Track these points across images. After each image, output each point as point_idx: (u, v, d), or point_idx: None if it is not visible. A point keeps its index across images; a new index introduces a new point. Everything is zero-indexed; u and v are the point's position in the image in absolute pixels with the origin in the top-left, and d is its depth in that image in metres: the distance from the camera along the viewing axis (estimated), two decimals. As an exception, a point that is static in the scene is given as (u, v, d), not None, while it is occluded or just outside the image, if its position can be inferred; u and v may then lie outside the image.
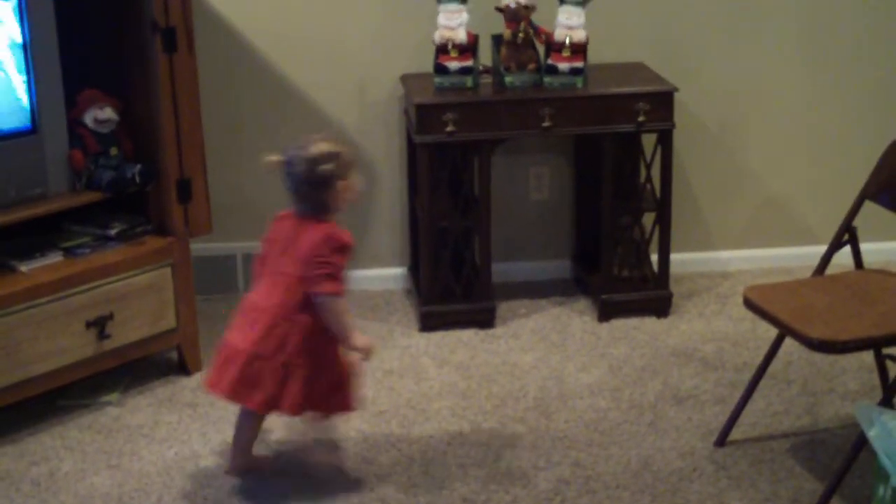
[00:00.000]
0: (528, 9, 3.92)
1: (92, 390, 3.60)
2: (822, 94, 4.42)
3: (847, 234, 3.30)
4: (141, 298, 3.56)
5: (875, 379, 3.43)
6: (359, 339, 3.02)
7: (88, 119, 3.56)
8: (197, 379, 3.68)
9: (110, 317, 3.48)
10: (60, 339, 3.39)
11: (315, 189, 2.98)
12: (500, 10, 3.94)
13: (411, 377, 3.70)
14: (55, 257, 3.48)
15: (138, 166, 3.56)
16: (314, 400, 3.01)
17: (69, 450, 3.32)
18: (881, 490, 2.59)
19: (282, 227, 3.06)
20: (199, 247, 4.06)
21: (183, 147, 3.58)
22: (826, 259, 3.30)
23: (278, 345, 2.95)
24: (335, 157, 3.00)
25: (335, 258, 2.97)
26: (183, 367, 3.73)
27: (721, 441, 3.30)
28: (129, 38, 3.57)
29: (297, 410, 3.00)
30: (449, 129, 3.86)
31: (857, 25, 4.37)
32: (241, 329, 3.04)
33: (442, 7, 3.94)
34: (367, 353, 3.03)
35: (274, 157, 3.03)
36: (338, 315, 2.98)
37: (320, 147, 3.01)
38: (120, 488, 3.14)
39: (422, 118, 3.88)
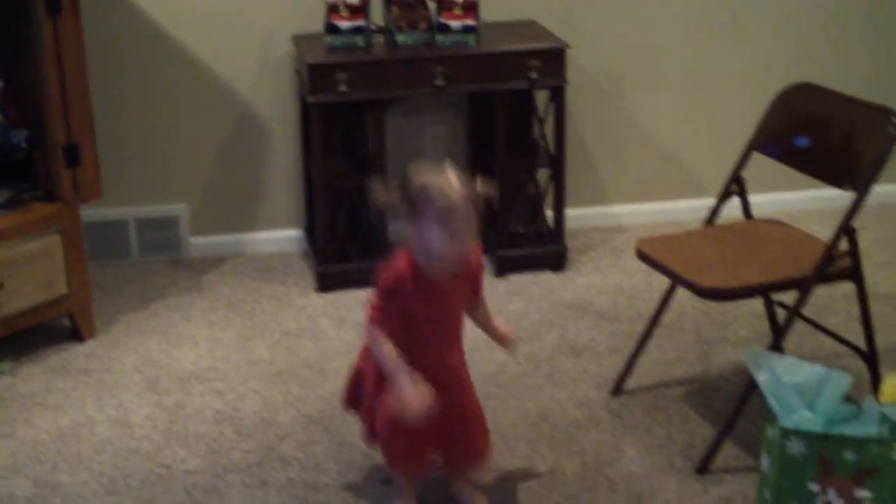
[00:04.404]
0: (416, -33, 3.92)
1: (-17, 360, 3.55)
2: (711, 49, 4.48)
3: (735, 185, 3.35)
4: (30, 266, 3.49)
5: (765, 326, 3.50)
6: (402, 386, 2.60)
7: (-29, 84, 3.48)
8: (90, 345, 3.64)
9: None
10: (-52, 309, 3.33)
11: None
12: (388, -31, 3.93)
13: (309, 337, 3.69)
14: (-60, 225, 3.41)
15: (24, 132, 3.49)
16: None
17: (-40, 420, 3.27)
18: (770, 431, 2.65)
19: None
20: (90, 213, 4.01)
21: (70, 111, 3.51)
22: (715, 210, 3.35)
23: None
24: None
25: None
26: (76, 334, 3.67)
27: (617, 390, 3.35)
28: (10, 0, 3.49)
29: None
30: (342, 88, 3.84)
31: (743, -19, 4.44)
32: None
33: (331, -34, 3.92)
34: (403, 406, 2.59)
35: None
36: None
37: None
38: (14, 457, 3.09)
39: (314, 78, 3.86)
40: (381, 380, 2.70)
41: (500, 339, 2.89)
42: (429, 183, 2.63)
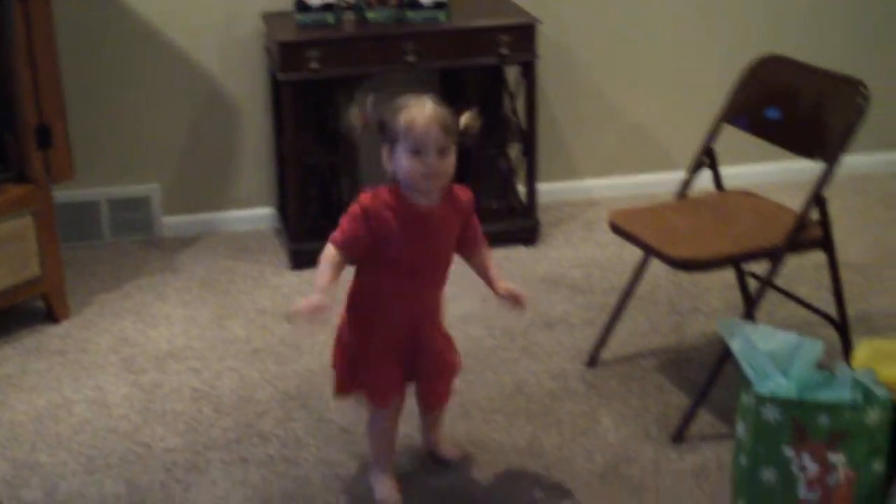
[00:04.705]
0: (385, -57, 3.91)
1: (-43, 343, 3.53)
2: (681, 23, 4.50)
3: (706, 157, 3.37)
4: (2, 248, 3.48)
5: (738, 296, 3.54)
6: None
7: (-61, 65, 3.46)
8: (65, 326, 3.63)
9: (-28, 267, 3.41)
10: (-79, 292, 3.31)
11: None
12: (356, -54, 3.93)
13: (284, 315, 3.70)
14: (-89, 208, 3.39)
15: (-6, 113, 3.48)
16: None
17: (-64, 403, 3.26)
18: (745, 398, 2.68)
19: None
20: (62, 194, 3.99)
21: (41, 92, 3.49)
22: (686, 182, 3.37)
23: None
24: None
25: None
26: (50, 316, 3.67)
27: (591, 362, 3.37)
28: (-22, -20, 3.47)
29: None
30: (312, 66, 3.84)
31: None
32: None
33: (299, -58, 3.91)
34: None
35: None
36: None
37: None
38: (-9, 439, 3.09)
39: (285, 56, 3.85)
40: (359, 335, 2.74)
41: (500, 294, 2.80)
42: (401, 108, 2.62)
